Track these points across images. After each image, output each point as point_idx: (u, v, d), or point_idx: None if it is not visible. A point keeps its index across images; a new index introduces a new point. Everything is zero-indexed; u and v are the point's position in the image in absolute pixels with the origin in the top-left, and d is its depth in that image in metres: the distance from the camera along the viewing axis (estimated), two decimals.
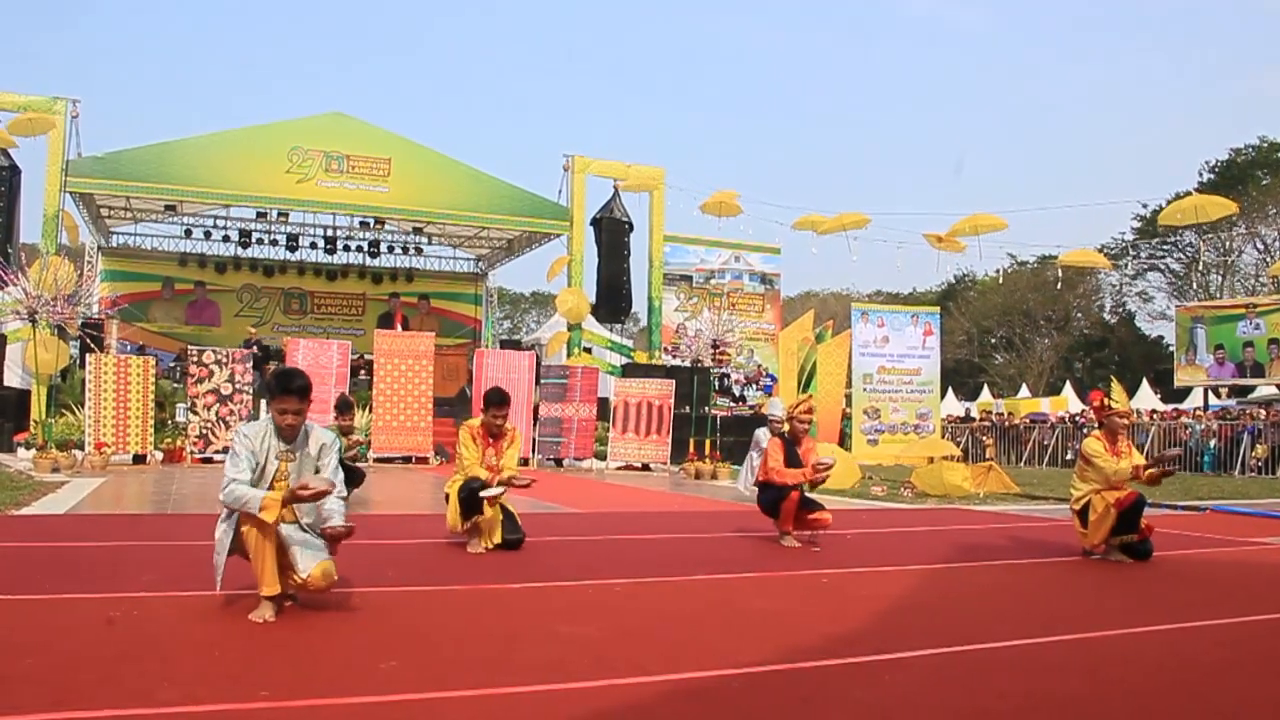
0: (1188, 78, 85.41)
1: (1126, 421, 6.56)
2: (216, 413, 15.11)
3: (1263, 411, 21.43)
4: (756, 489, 7.52)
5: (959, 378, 43.97)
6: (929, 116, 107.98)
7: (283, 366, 4.38)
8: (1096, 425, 6.61)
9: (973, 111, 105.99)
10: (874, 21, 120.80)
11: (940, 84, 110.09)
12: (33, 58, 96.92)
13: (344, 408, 9.39)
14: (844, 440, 20.10)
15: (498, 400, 6.28)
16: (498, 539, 6.23)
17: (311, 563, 4.09)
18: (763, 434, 9.70)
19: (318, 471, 4.26)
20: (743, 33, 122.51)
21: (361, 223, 24.23)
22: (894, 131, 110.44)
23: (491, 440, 6.34)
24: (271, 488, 4.09)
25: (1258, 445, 19.37)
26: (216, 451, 14.71)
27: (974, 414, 32.74)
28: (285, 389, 4.13)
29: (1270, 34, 72.78)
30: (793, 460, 7.02)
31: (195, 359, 15.40)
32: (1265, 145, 40.24)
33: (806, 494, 6.98)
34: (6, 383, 17.02)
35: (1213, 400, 26.48)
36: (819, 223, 21.79)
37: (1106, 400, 6.46)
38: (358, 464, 10.00)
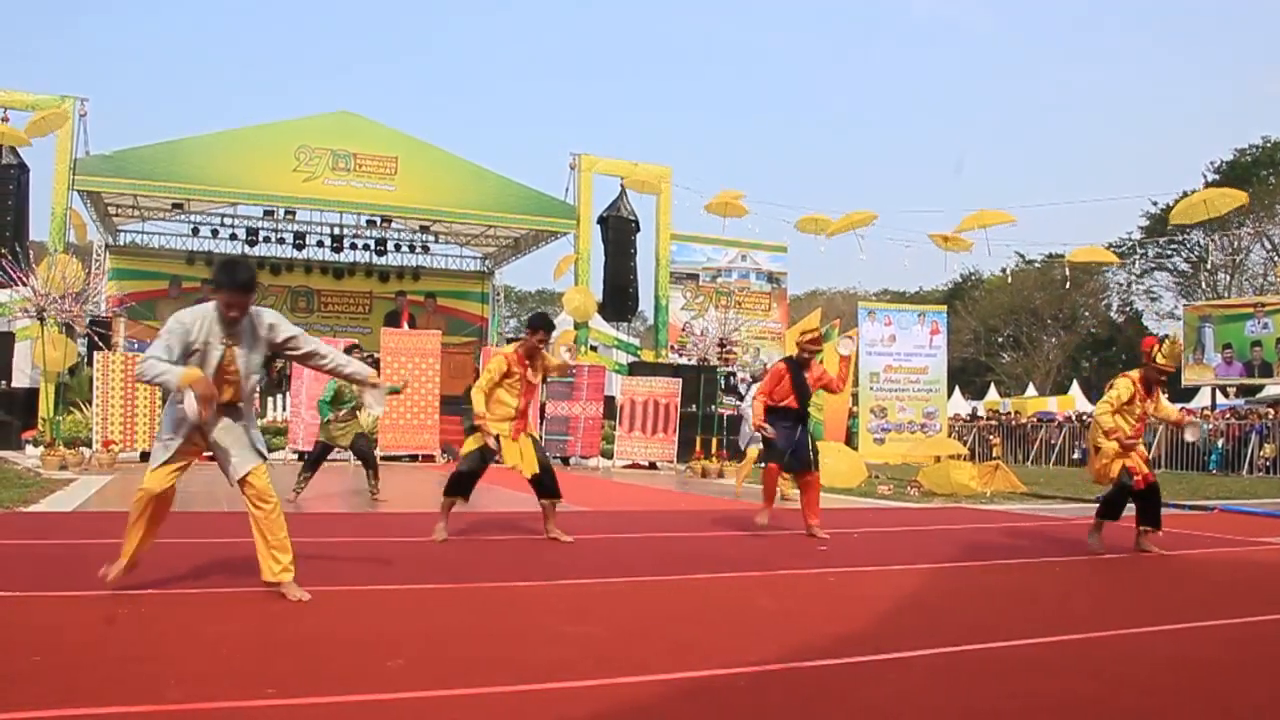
0: (1189, 78, 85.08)
1: (1163, 377, 6.63)
2: None
3: (1271, 411, 21.32)
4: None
5: (966, 376, 43.86)
6: (933, 116, 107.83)
7: (227, 258, 4.38)
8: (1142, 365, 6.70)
9: (975, 111, 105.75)
10: (875, 22, 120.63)
11: (942, 84, 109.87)
12: (41, 57, 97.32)
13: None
14: (851, 439, 20.06)
15: (536, 325, 6.40)
16: (536, 469, 6.38)
17: (245, 465, 4.20)
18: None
19: (287, 343, 4.25)
20: (747, 33, 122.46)
21: (368, 221, 24.24)
22: (898, 131, 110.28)
23: (529, 361, 6.38)
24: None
25: (1266, 445, 19.29)
26: None
27: (981, 413, 32.67)
28: (234, 283, 4.05)
29: (1271, 34, 72.45)
30: (799, 385, 6.84)
31: None
32: (1269, 145, 40.05)
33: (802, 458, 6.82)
34: (15, 381, 17.11)
35: (1220, 400, 26.35)
36: (826, 223, 21.73)
37: (1156, 351, 6.54)
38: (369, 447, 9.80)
